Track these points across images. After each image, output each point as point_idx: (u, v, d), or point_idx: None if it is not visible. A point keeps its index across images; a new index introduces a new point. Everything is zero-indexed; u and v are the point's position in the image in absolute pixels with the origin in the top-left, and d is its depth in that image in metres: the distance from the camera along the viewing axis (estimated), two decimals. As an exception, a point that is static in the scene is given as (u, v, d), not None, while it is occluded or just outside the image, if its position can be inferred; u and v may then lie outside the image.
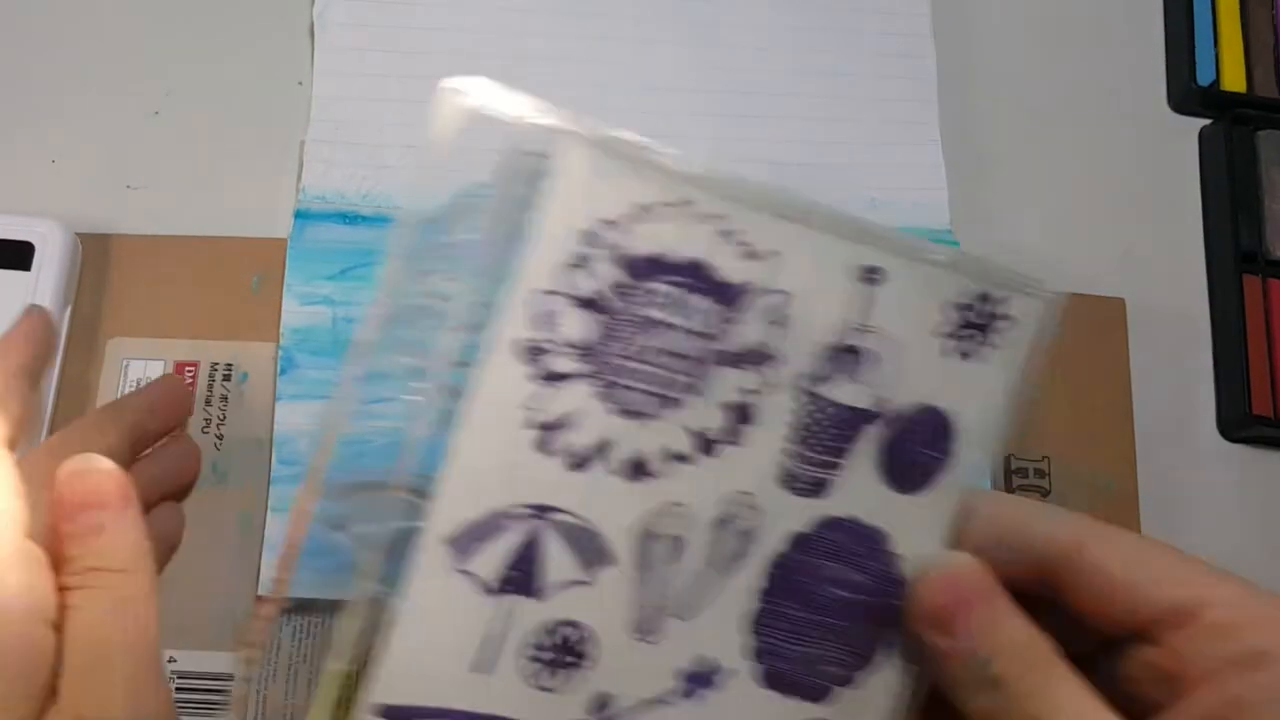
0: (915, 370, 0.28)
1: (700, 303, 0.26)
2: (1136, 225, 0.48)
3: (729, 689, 0.27)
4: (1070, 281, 0.46)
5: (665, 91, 0.46)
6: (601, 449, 0.26)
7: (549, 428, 0.26)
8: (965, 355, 0.28)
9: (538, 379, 0.25)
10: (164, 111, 0.45)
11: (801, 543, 0.27)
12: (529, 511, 0.26)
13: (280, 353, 0.41)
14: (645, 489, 0.26)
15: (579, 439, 0.26)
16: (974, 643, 0.26)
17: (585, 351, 0.26)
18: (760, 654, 0.27)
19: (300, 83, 0.45)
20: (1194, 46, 0.49)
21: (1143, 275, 0.47)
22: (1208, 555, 0.43)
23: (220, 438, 0.41)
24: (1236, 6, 0.50)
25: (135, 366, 0.41)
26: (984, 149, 0.48)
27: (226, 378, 0.41)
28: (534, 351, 0.25)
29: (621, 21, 0.47)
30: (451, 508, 0.25)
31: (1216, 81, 0.49)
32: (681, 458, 0.26)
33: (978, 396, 0.28)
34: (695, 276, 0.26)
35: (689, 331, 0.26)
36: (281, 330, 0.41)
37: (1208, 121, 0.49)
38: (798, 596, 0.27)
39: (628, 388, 0.26)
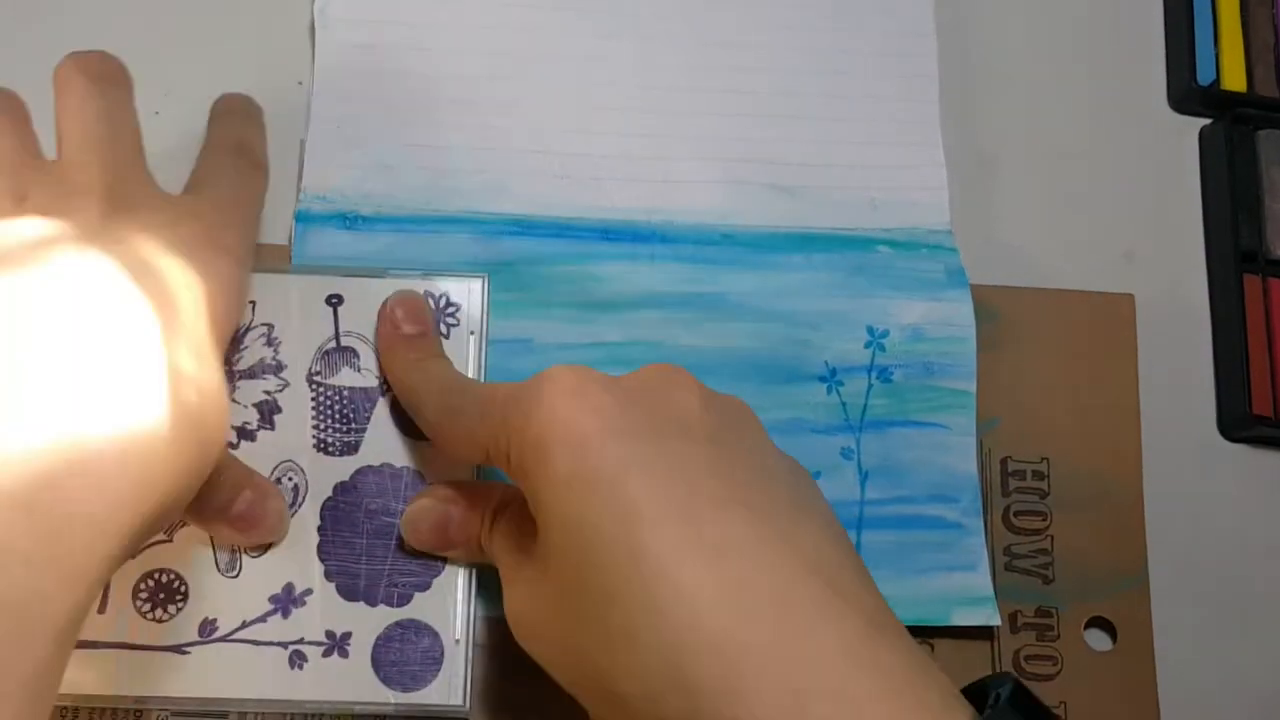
0: None
1: None
2: (1136, 225, 0.48)
3: (314, 604, 0.36)
4: (1070, 281, 0.46)
5: (666, 90, 0.46)
6: None
7: None
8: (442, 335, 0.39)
9: None
10: (164, 112, 0.45)
11: (344, 489, 0.37)
12: None
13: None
14: None
15: None
16: (462, 549, 0.36)
17: None
18: (330, 574, 0.37)
19: (300, 82, 0.45)
20: (1194, 46, 0.49)
21: (1142, 274, 0.47)
22: (1208, 555, 0.44)
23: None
24: (1237, 6, 0.50)
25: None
26: (984, 149, 0.48)
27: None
28: None
29: (623, 20, 0.47)
30: None
31: (1217, 81, 0.49)
32: (230, 444, 0.37)
33: (458, 362, 0.38)
34: None
35: None
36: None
37: (1208, 121, 0.49)
38: (351, 528, 0.37)
39: None
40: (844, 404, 0.42)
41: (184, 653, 0.36)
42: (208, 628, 0.36)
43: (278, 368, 0.38)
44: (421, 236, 0.43)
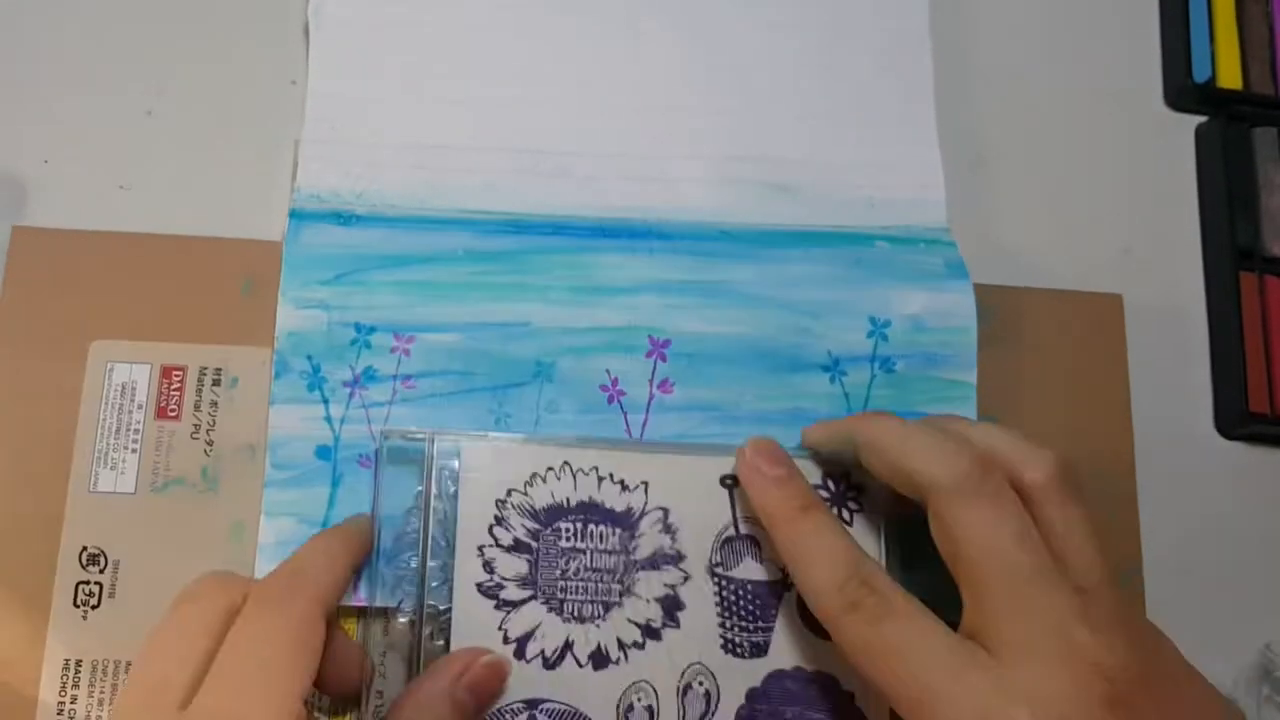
0: None
1: (601, 529, 0.35)
2: (1133, 223, 0.48)
3: None
4: (1067, 279, 0.46)
5: (662, 90, 0.46)
6: (567, 648, 0.34)
7: (521, 640, 0.34)
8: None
9: (501, 607, 0.34)
10: (156, 111, 0.45)
11: (756, 695, 0.35)
12: (522, 705, 0.34)
13: (275, 355, 0.40)
14: (612, 673, 0.34)
15: (546, 644, 0.34)
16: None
17: (525, 581, 0.35)
18: None
19: (294, 81, 0.45)
20: (1189, 43, 0.49)
21: (1139, 273, 0.47)
22: (1206, 554, 0.44)
23: (210, 444, 0.40)
24: (1232, 3, 0.50)
25: (120, 370, 0.41)
26: (980, 147, 0.48)
27: (216, 382, 0.41)
28: (490, 588, 0.34)
29: (618, 20, 0.47)
30: None
31: (1212, 78, 0.49)
32: (636, 644, 0.35)
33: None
34: (589, 512, 0.35)
35: (601, 551, 0.35)
36: (276, 333, 0.40)
37: (1203, 119, 0.49)
38: None
39: (570, 600, 0.35)
40: (846, 394, 0.42)
41: None
42: None
43: (677, 558, 0.36)
44: (416, 235, 0.42)
